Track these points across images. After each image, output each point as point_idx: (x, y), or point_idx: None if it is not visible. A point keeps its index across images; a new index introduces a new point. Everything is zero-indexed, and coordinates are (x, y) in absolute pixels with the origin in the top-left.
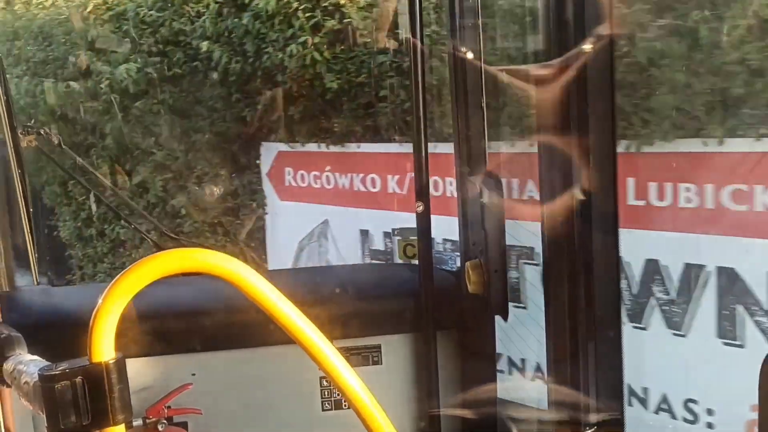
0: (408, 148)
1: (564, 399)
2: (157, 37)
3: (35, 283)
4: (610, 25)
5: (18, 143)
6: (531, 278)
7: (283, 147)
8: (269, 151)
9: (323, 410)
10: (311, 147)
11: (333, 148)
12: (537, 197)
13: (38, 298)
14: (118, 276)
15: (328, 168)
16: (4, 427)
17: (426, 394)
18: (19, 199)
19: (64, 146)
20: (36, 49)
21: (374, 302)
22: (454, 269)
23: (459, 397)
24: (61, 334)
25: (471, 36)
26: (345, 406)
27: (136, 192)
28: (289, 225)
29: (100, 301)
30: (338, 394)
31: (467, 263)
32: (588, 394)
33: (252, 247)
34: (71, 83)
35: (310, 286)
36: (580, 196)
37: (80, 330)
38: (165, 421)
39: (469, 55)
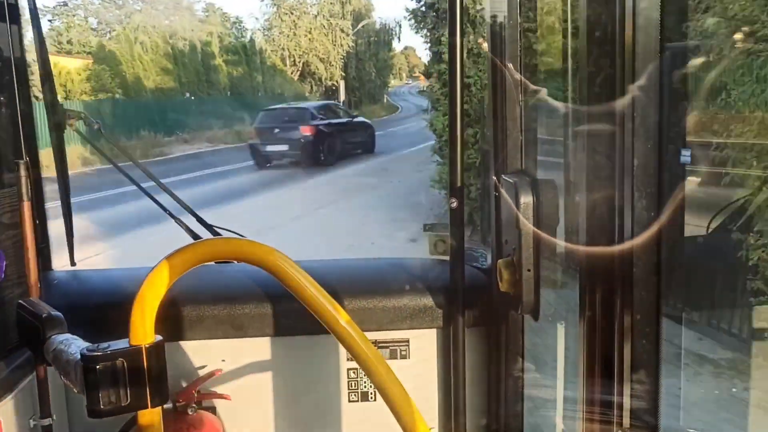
0: None
1: (596, 400)
2: None
3: (72, 264)
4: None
5: (60, 125)
6: None
7: None
8: None
9: (350, 401)
10: None
11: None
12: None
13: (75, 279)
14: (158, 262)
15: None
16: (41, 403)
17: (452, 390)
18: (58, 182)
19: (103, 132)
20: None
21: (404, 296)
22: (484, 266)
23: (485, 395)
24: (99, 316)
25: (510, 35)
26: (371, 398)
27: None
28: None
29: (142, 286)
30: (365, 386)
31: (499, 261)
32: (622, 395)
33: None
34: None
35: (342, 277)
36: (621, 200)
37: (117, 312)
38: (194, 406)
39: (507, 54)
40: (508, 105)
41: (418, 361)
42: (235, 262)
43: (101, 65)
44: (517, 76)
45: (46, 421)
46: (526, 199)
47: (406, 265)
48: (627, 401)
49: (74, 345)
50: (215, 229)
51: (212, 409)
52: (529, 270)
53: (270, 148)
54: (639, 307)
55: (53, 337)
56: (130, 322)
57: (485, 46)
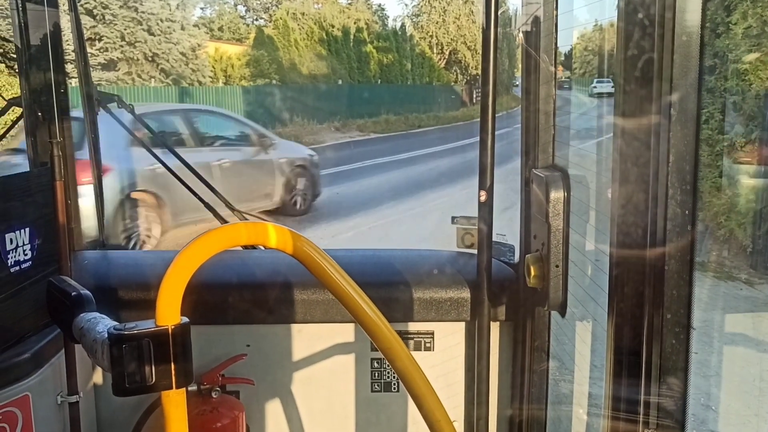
0: None
1: (623, 399)
2: None
3: (102, 244)
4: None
5: (93, 108)
6: None
7: None
8: None
9: (372, 391)
10: None
11: None
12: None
13: (104, 259)
14: (186, 244)
15: None
16: (69, 380)
17: (476, 384)
18: (91, 163)
19: (135, 114)
20: None
21: (430, 289)
22: (512, 261)
23: (509, 389)
24: (126, 296)
25: (546, 28)
26: (394, 388)
27: None
28: None
29: (169, 268)
30: (388, 377)
31: (527, 256)
32: (649, 394)
33: None
34: None
35: (368, 267)
36: (655, 195)
37: (144, 293)
38: (218, 389)
39: (542, 48)
40: (542, 99)
41: (443, 353)
42: (262, 248)
43: (260, 51)
44: (552, 69)
45: (73, 398)
46: (557, 194)
47: (433, 257)
48: (654, 401)
49: (101, 323)
50: (243, 214)
51: (236, 394)
52: (557, 266)
53: None
54: (670, 305)
55: (81, 315)
56: (156, 303)
57: (520, 38)
